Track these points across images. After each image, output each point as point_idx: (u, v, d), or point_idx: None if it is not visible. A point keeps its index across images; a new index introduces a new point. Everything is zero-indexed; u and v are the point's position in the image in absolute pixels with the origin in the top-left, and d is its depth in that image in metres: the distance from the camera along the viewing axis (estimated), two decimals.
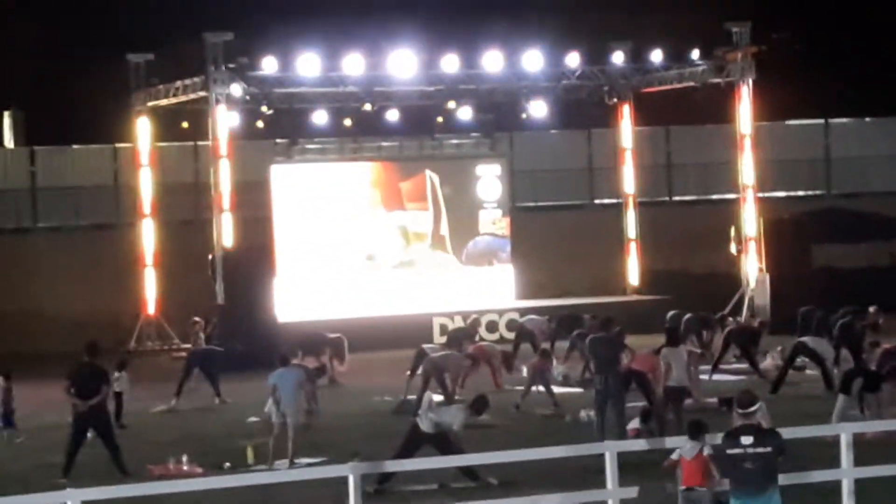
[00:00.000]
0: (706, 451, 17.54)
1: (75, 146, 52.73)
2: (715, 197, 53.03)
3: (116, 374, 29.45)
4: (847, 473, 19.28)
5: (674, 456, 17.99)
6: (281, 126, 48.08)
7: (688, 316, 37.85)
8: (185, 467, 25.46)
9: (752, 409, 16.38)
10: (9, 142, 55.52)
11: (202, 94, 44.59)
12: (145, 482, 21.24)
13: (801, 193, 55.37)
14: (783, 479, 17.23)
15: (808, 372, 33.56)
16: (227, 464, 25.64)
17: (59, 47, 58.54)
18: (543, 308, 44.64)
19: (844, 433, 19.72)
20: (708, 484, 17.58)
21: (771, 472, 15.87)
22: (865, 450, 20.84)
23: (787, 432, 18.96)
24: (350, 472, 17.62)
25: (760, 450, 15.77)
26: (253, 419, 28.70)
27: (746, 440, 15.80)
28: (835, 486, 19.32)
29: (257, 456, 25.95)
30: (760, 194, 49.25)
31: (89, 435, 25.46)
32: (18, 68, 57.85)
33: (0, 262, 49.47)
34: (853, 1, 65.33)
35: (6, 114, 56.54)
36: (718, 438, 16.53)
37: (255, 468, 25.03)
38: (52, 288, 48.93)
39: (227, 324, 41.97)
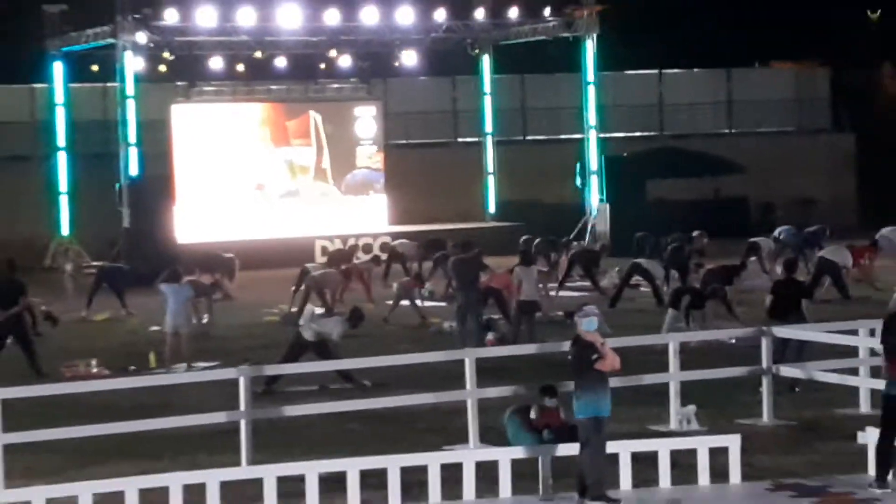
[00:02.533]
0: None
1: None
2: (563, 137, 53.14)
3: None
4: (674, 377, 19.49)
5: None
6: (181, 70, 48.10)
7: (538, 240, 38.06)
8: (94, 370, 25.36)
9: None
10: None
11: (111, 41, 44.46)
12: (59, 382, 21.10)
13: (637, 134, 55.62)
14: (620, 381, 17.46)
15: (641, 289, 33.85)
16: (132, 367, 25.56)
17: None
18: (412, 233, 44.75)
19: (672, 342, 19.94)
20: None
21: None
22: (690, 357, 21.13)
23: (622, 341, 19.17)
24: (240, 375, 17.57)
25: None
26: (154, 328, 28.56)
27: None
28: (663, 388, 19.53)
29: (159, 361, 25.90)
30: (602, 135, 49.49)
31: (9, 341, 25.29)
32: None
33: None
34: None
35: None
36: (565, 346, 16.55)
37: (156, 371, 24.98)
38: None
39: (132, 245, 41.87)
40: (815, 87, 61.28)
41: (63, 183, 47.94)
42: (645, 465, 16.14)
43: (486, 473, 15.85)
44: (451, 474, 15.75)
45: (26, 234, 46.17)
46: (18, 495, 15.07)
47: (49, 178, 48.05)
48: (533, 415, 17.64)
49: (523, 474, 15.95)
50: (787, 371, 20.10)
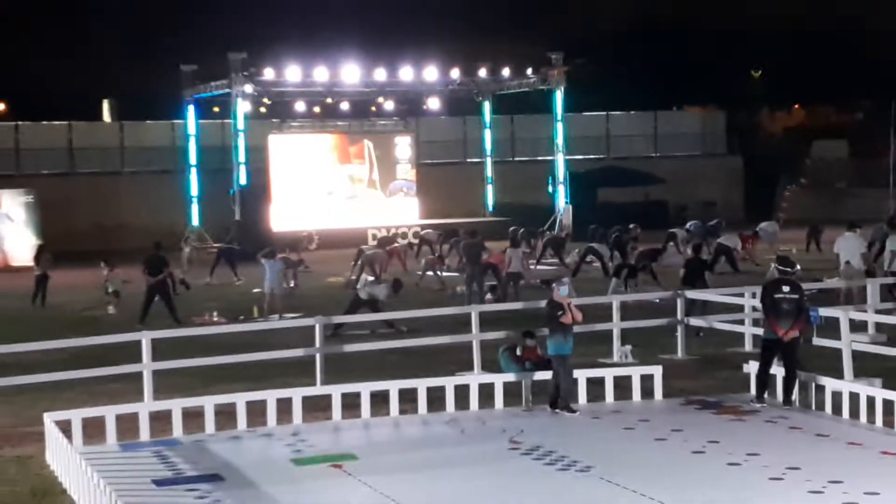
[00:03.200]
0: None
1: (148, 121, 52.19)
2: (539, 158, 53.04)
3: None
4: (616, 325, 19.48)
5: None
6: (276, 111, 48.03)
7: (522, 230, 37.84)
8: (215, 318, 25.40)
9: (790, 269, 16.03)
10: (107, 118, 54.83)
11: (227, 90, 44.42)
12: (191, 328, 21.14)
13: (591, 157, 55.51)
14: (580, 328, 17.38)
15: (594, 265, 33.83)
16: (242, 317, 25.59)
17: (144, 58, 57.87)
18: (435, 224, 44.72)
19: (615, 301, 19.91)
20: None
21: (799, 310, 15.32)
22: (627, 311, 21.10)
23: (582, 301, 19.16)
24: (316, 323, 17.57)
25: (793, 296, 15.35)
26: (256, 290, 28.58)
27: (786, 289, 15.41)
28: (609, 333, 19.52)
29: (260, 313, 25.91)
30: (567, 157, 49.42)
31: (156, 299, 25.34)
32: (112, 70, 57.21)
33: (103, 194, 48.95)
34: (624, 40, 65.61)
35: (105, 101, 55.83)
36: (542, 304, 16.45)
37: (258, 319, 25.00)
38: (134, 210, 48.47)
39: (242, 232, 41.88)
40: (715, 124, 61.34)
41: (194, 189, 47.98)
42: (596, 387, 16.11)
43: (486, 391, 15.85)
44: (462, 392, 15.75)
45: (169, 224, 46.24)
46: (162, 405, 15.08)
47: (184, 186, 48.11)
48: (518, 351, 17.63)
49: (512, 393, 15.94)
50: (695, 321, 20.08)
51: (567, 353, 15.37)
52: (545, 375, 16.05)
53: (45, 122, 50.71)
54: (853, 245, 24.43)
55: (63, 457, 12.77)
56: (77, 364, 17.44)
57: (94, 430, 14.20)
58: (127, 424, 14.42)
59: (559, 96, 48.24)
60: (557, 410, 15.25)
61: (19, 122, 51.00)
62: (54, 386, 16.82)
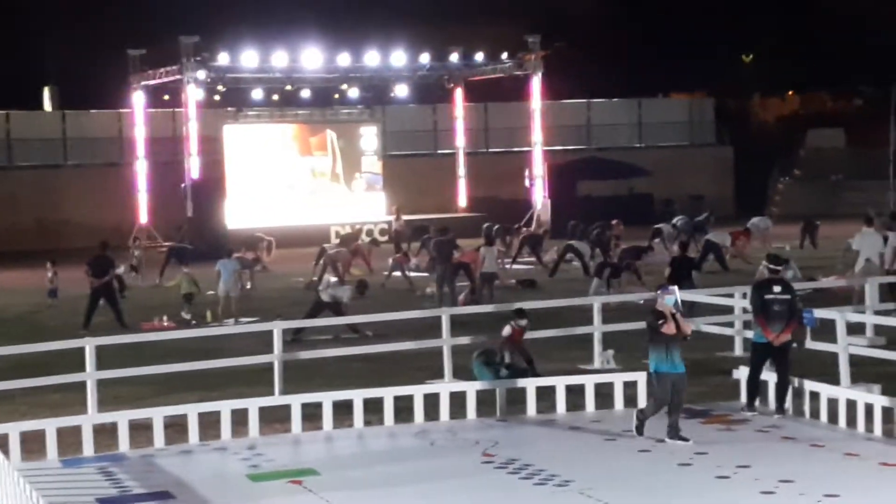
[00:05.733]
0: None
1: (92, 110, 51.98)
2: (515, 149, 53.14)
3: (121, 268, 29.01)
4: (597, 328, 19.55)
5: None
6: (230, 99, 47.99)
7: (497, 226, 37.95)
8: (165, 323, 25.33)
9: (780, 267, 16.02)
10: (48, 107, 54.60)
11: (178, 77, 44.30)
12: (138, 333, 21.07)
13: (571, 147, 55.65)
14: (556, 332, 17.46)
15: (573, 264, 33.90)
16: (194, 321, 25.53)
17: (87, 42, 57.60)
18: (403, 221, 44.65)
19: (596, 303, 19.97)
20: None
21: (791, 311, 15.30)
22: (609, 314, 21.17)
23: (558, 303, 19.22)
24: (274, 328, 17.55)
25: (785, 296, 15.34)
26: (210, 292, 28.48)
27: (776, 289, 15.42)
28: (589, 337, 19.57)
29: (214, 316, 25.86)
30: (545, 147, 49.55)
31: (101, 302, 25.24)
32: (53, 55, 56.99)
33: (43, 189, 48.78)
34: (606, 23, 65.77)
35: (46, 88, 55.58)
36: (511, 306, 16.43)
37: (211, 324, 24.95)
38: (78, 206, 48.31)
39: (194, 229, 41.77)
40: (703, 112, 61.54)
41: (142, 183, 47.85)
42: (575, 394, 16.14)
43: (457, 401, 15.85)
44: (432, 401, 15.76)
45: (114, 221, 46.13)
46: (107, 418, 15.02)
47: (131, 180, 47.96)
48: (506, 332, 17.72)
49: (485, 402, 15.95)
50: None
51: (668, 370, 14.13)
52: (521, 383, 16.08)
53: None
54: (873, 241, 24.27)
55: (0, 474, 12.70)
56: (16, 373, 17.35)
57: (33, 444, 14.15)
58: (69, 438, 14.38)
59: (536, 82, 48.32)
60: (668, 439, 14.12)
61: None
62: None
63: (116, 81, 49.34)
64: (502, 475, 12.97)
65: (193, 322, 25.31)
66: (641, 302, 23.14)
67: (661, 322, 14.22)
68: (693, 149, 59.07)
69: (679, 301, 14.48)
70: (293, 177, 48.87)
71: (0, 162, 49.70)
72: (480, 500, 12.15)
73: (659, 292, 14.67)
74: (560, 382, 16.13)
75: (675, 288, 14.85)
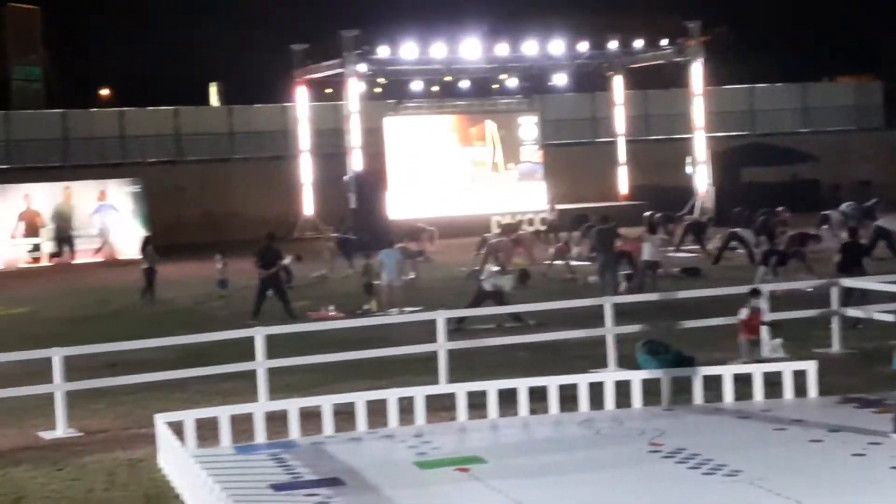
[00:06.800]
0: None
1: (257, 105, 52.95)
2: (676, 136, 52.59)
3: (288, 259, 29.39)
4: (766, 316, 19.19)
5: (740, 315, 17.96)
6: (391, 91, 48.36)
7: (658, 214, 37.66)
8: (332, 313, 25.67)
9: None
10: (215, 102, 55.82)
11: (340, 70, 44.87)
12: (307, 323, 21.41)
13: (734, 133, 54.83)
14: (722, 321, 17.13)
15: (738, 251, 33.39)
16: (359, 311, 25.81)
17: (252, 38, 58.74)
18: (563, 210, 44.55)
19: (763, 291, 19.58)
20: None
21: None
22: (777, 302, 20.76)
23: (722, 291, 18.91)
24: (438, 317, 17.66)
25: None
26: (376, 282, 28.77)
27: None
28: None
29: (379, 306, 26.11)
30: (707, 134, 48.91)
31: (269, 293, 25.68)
32: (219, 54, 58.14)
33: (212, 182, 49.90)
34: (768, 6, 64.54)
35: (213, 84, 56.81)
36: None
37: (377, 314, 25.20)
38: (244, 199, 49.29)
39: (357, 221, 42.15)
40: (871, 96, 59.99)
41: (306, 175, 48.61)
42: (742, 384, 15.88)
43: (621, 390, 15.74)
44: (596, 390, 15.67)
45: (280, 212, 46.98)
46: (278, 405, 15.30)
47: (296, 172, 48.76)
48: (743, 315, 17.63)
49: (651, 391, 15.80)
50: (852, 312, 19.68)
51: None
52: (687, 372, 15.91)
53: (150, 108, 51.78)
54: None
55: (176, 460, 13.05)
56: (188, 362, 17.83)
57: (207, 431, 14.48)
58: (241, 425, 14.68)
59: (698, 69, 47.70)
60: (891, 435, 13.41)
61: (124, 109, 52.15)
62: (165, 385, 17.22)
63: (280, 76, 50.20)
64: (669, 465, 12.85)
65: (359, 312, 25.58)
66: (810, 290, 22.67)
67: None
68: (860, 133, 57.67)
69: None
70: (453, 167, 49.00)
71: (169, 156, 50.92)
72: (647, 490, 12.05)
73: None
74: (727, 371, 15.91)
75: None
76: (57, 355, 15.86)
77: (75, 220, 42.14)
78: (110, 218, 42.59)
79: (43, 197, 42.10)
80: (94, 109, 54.06)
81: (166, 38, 60.98)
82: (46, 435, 15.58)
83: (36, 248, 41.53)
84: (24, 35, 56.42)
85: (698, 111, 48.42)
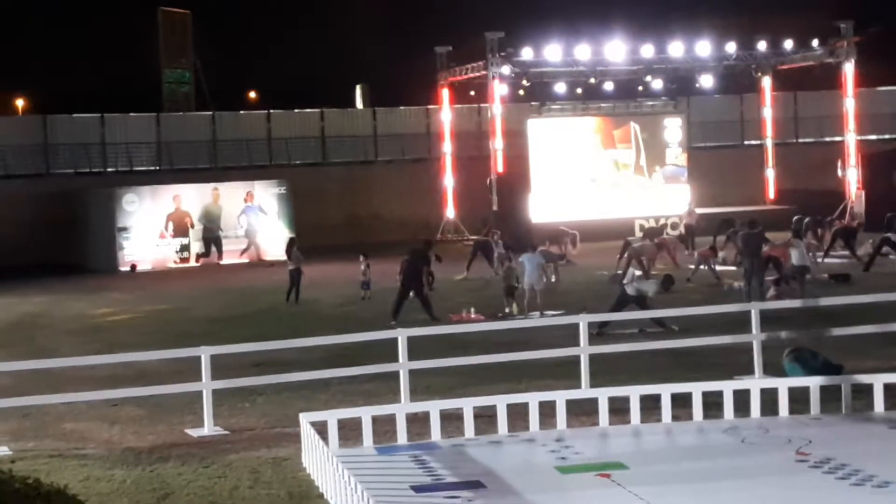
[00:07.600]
0: None
1: (401, 107, 53.32)
2: (827, 139, 51.60)
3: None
4: None
5: None
6: (534, 93, 48.23)
7: (807, 219, 37.00)
8: (472, 315, 25.74)
9: None
10: (359, 104, 56.41)
11: (483, 73, 45.03)
12: (448, 325, 21.50)
13: (886, 136, 53.55)
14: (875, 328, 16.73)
15: (891, 257, 32.61)
16: (500, 314, 25.84)
17: (397, 40, 59.25)
18: (709, 214, 44.02)
19: None
20: None
21: None
22: None
23: (874, 298, 18.48)
24: (580, 321, 17.60)
25: None
26: (515, 285, 28.75)
27: None
28: None
29: (519, 309, 26.10)
30: (859, 137, 47.91)
31: (410, 295, 25.83)
32: (365, 57, 58.73)
33: (355, 184, 50.42)
34: None
35: (358, 87, 57.40)
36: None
37: (517, 317, 25.20)
38: (388, 201, 49.72)
39: (499, 223, 42.23)
40: None
41: (449, 177, 48.83)
42: (894, 394, 15.48)
43: (767, 397, 15.47)
44: (741, 398, 15.44)
45: (422, 215, 47.27)
46: (419, 407, 15.40)
47: (439, 174, 49.01)
48: None
49: (798, 399, 15.50)
50: None
51: None
52: (836, 381, 15.58)
53: (296, 111, 52.52)
54: None
55: (319, 459, 13.22)
56: (331, 363, 18.05)
57: (349, 431, 14.65)
58: (383, 426, 14.81)
59: (849, 70, 46.73)
60: None
61: (271, 111, 52.99)
62: (309, 385, 17.47)
63: (424, 78, 50.49)
64: (817, 474, 12.62)
65: (500, 314, 25.60)
66: None
67: None
68: None
69: None
70: (596, 170, 48.70)
71: (315, 158, 51.58)
72: (795, 500, 11.85)
73: None
74: (878, 380, 15.53)
75: None
76: (205, 354, 16.20)
77: (223, 221, 42.97)
78: (257, 219, 43.34)
79: (192, 198, 43.01)
80: (242, 112, 55.03)
81: (313, 41, 61.87)
82: (194, 432, 15.93)
83: (184, 248, 42.43)
84: (177, 39, 57.66)
85: (850, 113, 47.44)
